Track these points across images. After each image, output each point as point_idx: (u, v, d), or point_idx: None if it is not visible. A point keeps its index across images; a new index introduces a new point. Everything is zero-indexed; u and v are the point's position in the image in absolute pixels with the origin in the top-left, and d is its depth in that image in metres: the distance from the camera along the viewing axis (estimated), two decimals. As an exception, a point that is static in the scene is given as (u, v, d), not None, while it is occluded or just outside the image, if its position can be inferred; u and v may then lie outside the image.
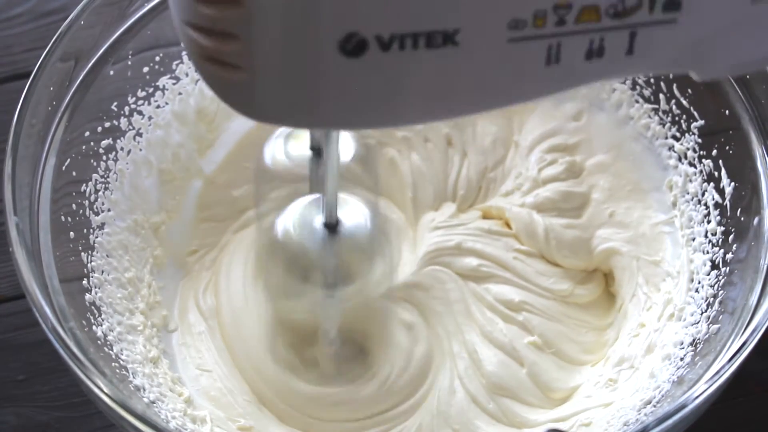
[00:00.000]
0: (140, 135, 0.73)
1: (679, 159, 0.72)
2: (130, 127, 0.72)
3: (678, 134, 0.72)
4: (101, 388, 0.55)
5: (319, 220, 0.62)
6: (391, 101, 0.43)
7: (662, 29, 0.42)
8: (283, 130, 0.66)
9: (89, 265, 0.66)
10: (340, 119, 0.45)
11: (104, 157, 0.70)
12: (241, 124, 0.79)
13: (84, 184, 0.68)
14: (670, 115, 0.73)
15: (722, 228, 0.67)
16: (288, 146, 0.66)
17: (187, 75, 0.76)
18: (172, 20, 0.44)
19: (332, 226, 0.62)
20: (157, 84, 0.74)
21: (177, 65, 0.75)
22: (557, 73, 0.42)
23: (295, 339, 0.71)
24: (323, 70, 0.41)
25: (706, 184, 0.70)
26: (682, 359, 0.63)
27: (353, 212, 0.64)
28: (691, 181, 0.71)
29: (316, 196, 0.64)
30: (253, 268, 0.73)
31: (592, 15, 0.40)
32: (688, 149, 0.72)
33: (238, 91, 0.44)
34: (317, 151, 0.63)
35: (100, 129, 0.70)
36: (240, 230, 0.77)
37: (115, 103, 0.71)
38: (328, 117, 0.44)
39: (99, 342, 0.62)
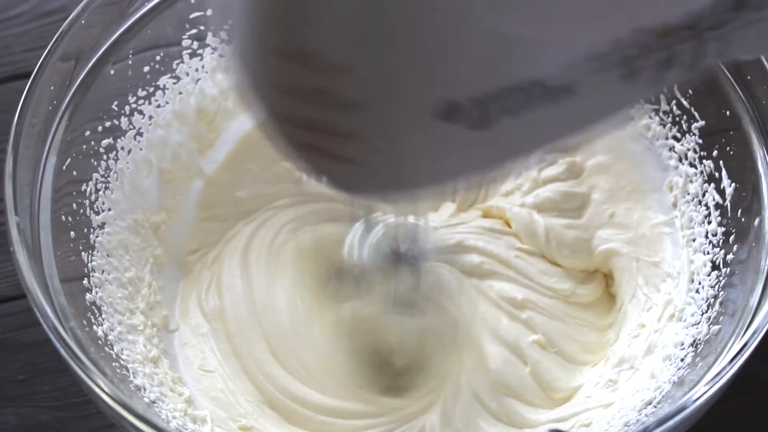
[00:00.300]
0: (141, 134, 0.73)
1: (680, 159, 0.72)
2: (131, 127, 0.72)
3: (678, 135, 0.72)
4: (102, 388, 0.55)
5: (390, 247, 0.63)
6: (492, 158, 0.44)
7: (755, 27, 0.43)
8: None
9: (90, 264, 0.66)
10: (441, 185, 0.47)
11: (105, 157, 0.70)
12: (241, 124, 0.79)
13: (84, 184, 0.68)
14: (670, 115, 0.73)
15: (723, 229, 0.67)
16: None
17: (187, 75, 0.76)
18: (253, 111, 0.42)
19: (403, 255, 0.63)
20: (158, 83, 0.74)
21: (177, 65, 0.75)
22: (653, 90, 0.44)
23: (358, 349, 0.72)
24: (432, 150, 0.41)
25: (706, 184, 0.70)
26: (682, 360, 0.63)
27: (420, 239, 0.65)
28: (691, 181, 0.71)
29: (389, 220, 0.64)
30: (297, 276, 0.74)
31: (690, 35, 0.42)
32: (688, 150, 0.71)
33: (339, 175, 0.44)
34: None
35: (100, 128, 0.70)
36: (243, 230, 0.77)
37: (116, 103, 0.71)
38: (431, 187, 0.46)
39: (99, 342, 0.62)
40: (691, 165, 0.71)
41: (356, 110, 0.39)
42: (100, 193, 0.69)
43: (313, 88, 0.39)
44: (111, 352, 0.62)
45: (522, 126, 0.42)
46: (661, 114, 0.73)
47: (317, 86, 0.38)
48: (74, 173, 0.67)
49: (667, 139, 0.73)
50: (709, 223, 0.69)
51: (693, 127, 0.71)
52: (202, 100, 0.77)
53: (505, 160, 0.45)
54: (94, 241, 0.68)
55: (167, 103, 0.75)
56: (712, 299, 0.65)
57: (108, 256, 0.68)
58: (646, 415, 0.61)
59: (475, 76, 0.40)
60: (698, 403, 0.55)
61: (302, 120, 0.40)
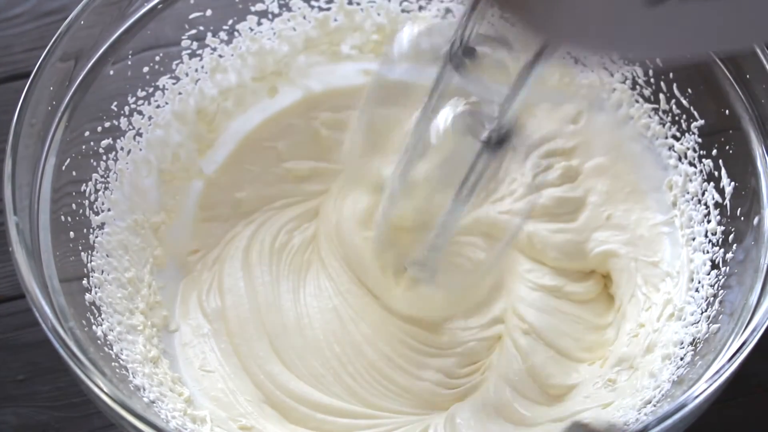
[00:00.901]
0: (140, 135, 0.73)
1: (679, 159, 0.72)
2: (130, 127, 0.72)
3: (678, 134, 0.72)
4: (101, 388, 0.55)
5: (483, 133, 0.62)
6: (674, 34, 0.46)
7: None
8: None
9: (89, 264, 0.66)
10: (626, 48, 0.50)
11: (104, 157, 0.70)
12: (241, 124, 0.79)
13: (84, 184, 0.68)
14: (670, 114, 0.73)
15: (722, 228, 0.67)
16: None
17: (186, 75, 0.76)
18: None
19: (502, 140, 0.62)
20: (157, 84, 0.74)
21: (177, 65, 0.75)
22: None
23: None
24: (625, 13, 0.44)
25: (706, 183, 0.70)
26: (682, 359, 0.63)
27: None
28: (691, 180, 0.71)
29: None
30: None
31: None
32: (688, 149, 0.71)
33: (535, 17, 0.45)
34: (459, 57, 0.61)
35: (100, 129, 0.70)
36: (243, 231, 0.77)
37: (115, 103, 0.71)
38: (613, 45, 0.48)
39: (99, 342, 0.62)
40: (691, 164, 0.71)
41: None
42: (100, 193, 0.69)
43: None
44: (110, 352, 0.62)
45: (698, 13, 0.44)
46: (660, 113, 0.73)
47: None
48: (74, 173, 0.67)
49: (666, 138, 0.73)
50: (709, 222, 0.69)
51: (692, 126, 0.71)
52: (201, 101, 0.77)
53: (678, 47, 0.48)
54: (94, 242, 0.68)
55: (167, 103, 0.75)
56: (712, 298, 0.65)
57: (107, 256, 0.68)
58: (645, 414, 0.61)
59: None
60: (698, 400, 0.55)
61: None
